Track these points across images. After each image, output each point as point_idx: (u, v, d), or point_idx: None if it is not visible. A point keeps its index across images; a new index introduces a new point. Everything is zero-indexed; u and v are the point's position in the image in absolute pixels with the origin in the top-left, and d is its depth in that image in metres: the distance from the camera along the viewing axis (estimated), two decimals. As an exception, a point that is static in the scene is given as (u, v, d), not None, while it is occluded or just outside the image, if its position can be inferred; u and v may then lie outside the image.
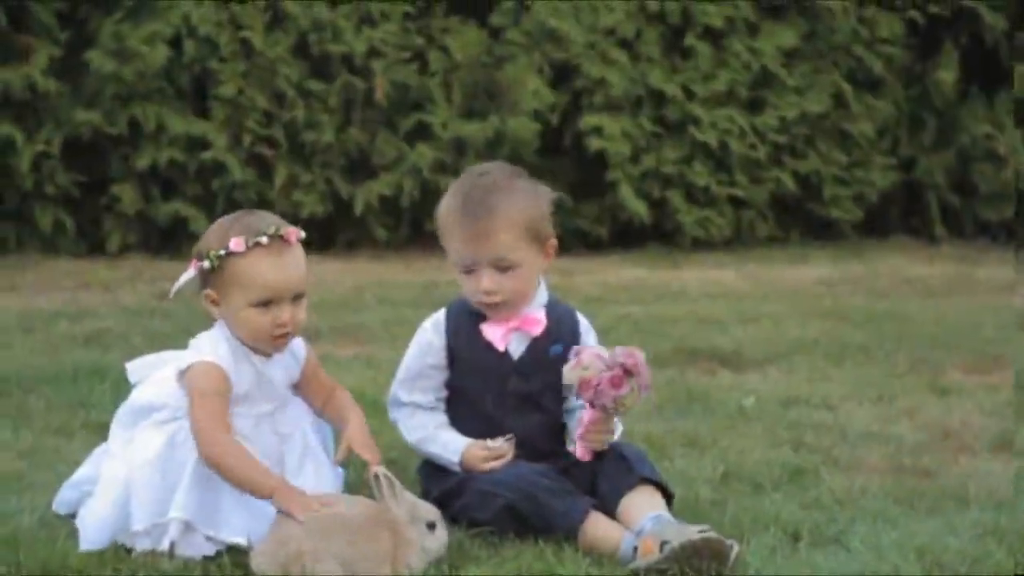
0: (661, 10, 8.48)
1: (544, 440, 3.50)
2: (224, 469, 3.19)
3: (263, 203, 7.95)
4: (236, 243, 3.25)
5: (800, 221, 8.91)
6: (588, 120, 8.34)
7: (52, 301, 6.64)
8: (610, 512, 3.32)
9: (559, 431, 3.56)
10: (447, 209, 3.45)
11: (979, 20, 8.85)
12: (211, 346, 3.33)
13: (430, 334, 3.51)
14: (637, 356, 3.30)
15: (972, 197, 9.01)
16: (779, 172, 8.67)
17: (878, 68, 8.78)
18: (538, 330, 3.48)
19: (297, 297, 3.32)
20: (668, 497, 3.37)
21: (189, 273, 3.36)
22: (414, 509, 3.14)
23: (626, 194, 8.37)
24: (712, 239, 8.55)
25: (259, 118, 8.08)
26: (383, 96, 8.14)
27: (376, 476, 3.14)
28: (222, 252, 3.26)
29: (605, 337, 5.74)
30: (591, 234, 8.57)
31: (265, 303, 3.27)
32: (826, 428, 4.38)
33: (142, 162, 7.99)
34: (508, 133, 8.18)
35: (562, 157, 8.52)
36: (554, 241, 3.50)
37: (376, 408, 3.87)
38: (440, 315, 3.54)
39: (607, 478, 3.37)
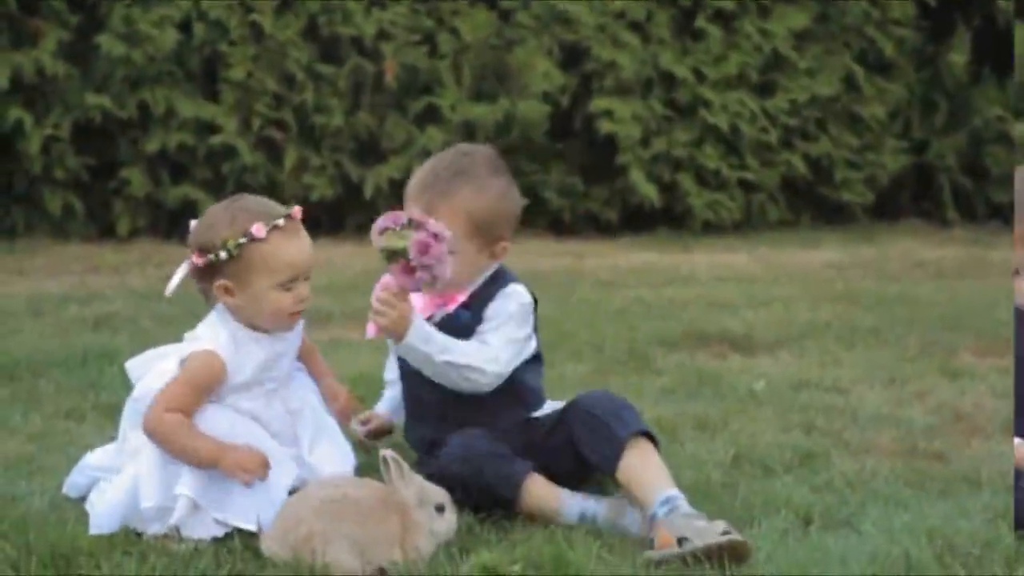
0: (672, -8, 8.47)
1: (465, 408, 3.44)
2: (162, 438, 3.22)
3: (273, 186, 7.95)
4: (258, 229, 3.26)
5: (811, 204, 8.89)
6: (598, 103, 8.33)
7: (61, 285, 6.65)
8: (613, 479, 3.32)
9: (481, 399, 3.45)
10: (413, 177, 3.49)
11: (992, 2, 8.81)
12: (211, 334, 3.33)
13: None
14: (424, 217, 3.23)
15: (984, 180, 8.98)
16: (790, 155, 8.64)
17: (890, 50, 8.75)
18: (451, 307, 3.45)
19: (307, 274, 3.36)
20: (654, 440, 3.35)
21: (184, 268, 3.35)
22: (423, 492, 3.13)
23: (636, 177, 8.35)
24: (723, 222, 8.53)
25: (269, 101, 8.07)
26: (393, 79, 8.13)
27: (385, 459, 3.14)
28: (243, 240, 3.26)
29: (616, 320, 5.76)
30: (601, 217, 8.55)
31: (289, 283, 3.30)
32: (837, 411, 4.36)
33: (151, 146, 7.99)
34: (518, 116, 8.16)
35: (572, 140, 8.50)
36: (506, 244, 3.46)
37: (386, 391, 3.87)
38: None
39: (590, 448, 3.34)
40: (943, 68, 8.92)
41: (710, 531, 3.06)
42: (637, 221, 8.57)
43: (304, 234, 3.34)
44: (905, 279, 7.01)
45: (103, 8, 7.99)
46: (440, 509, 3.13)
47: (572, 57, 8.40)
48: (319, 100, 8.12)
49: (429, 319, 3.40)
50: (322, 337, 5.24)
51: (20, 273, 7.04)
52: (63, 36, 7.87)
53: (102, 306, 6.00)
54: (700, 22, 8.48)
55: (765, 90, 8.62)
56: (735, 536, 3.05)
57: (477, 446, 3.34)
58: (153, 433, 3.23)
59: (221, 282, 3.30)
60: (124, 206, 8.11)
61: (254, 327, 3.34)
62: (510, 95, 8.23)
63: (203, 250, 3.30)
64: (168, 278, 3.39)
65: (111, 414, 3.95)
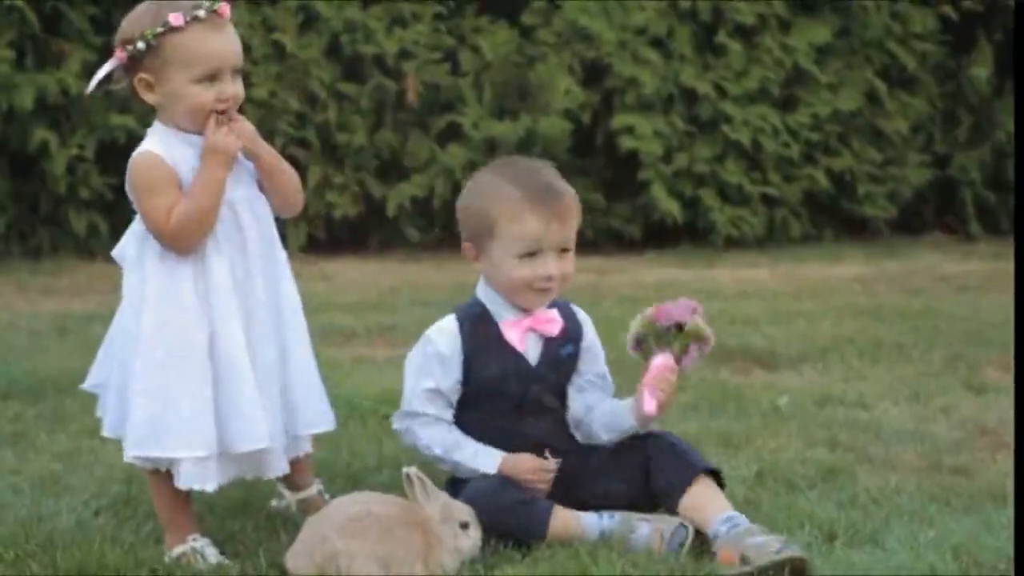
0: (692, 8, 8.46)
1: (561, 439, 3.42)
2: (192, 225, 3.19)
3: (296, 205, 7.97)
4: (176, 18, 3.18)
5: (834, 219, 8.87)
6: (620, 119, 8.33)
7: (87, 304, 6.67)
8: (670, 507, 3.32)
9: (566, 427, 3.46)
10: (511, 195, 3.31)
11: (1013, 15, 8.80)
12: (143, 144, 3.26)
13: (442, 347, 3.35)
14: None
15: (1007, 193, 8.95)
16: (812, 170, 8.63)
17: (911, 64, 8.73)
18: (556, 329, 3.40)
19: (235, 72, 3.26)
20: (721, 483, 3.38)
21: (109, 65, 3.28)
22: (447, 509, 3.14)
23: (659, 193, 8.35)
24: (745, 238, 8.52)
25: (292, 120, 8.10)
26: (415, 97, 8.15)
27: (408, 476, 3.15)
28: (159, 29, 3.18)
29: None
30: (624, 233, 8.56)
31: (210, 78, 3.22)
32: (861, 426, 4.36)
33: (175, 165, 8.02)
34: (540, 133, 8.17)
35: (594, 157, 8.51)
36: None
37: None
38: (450, 325, 3.39)
39: (662, 472, 3.34)
40: (965, 82, 8.90)
41: (767, 549, 3.08)
42: (660, 237, 8.57)
43: (230, 30, 3.24)
44: (929, 293, 6.99)
45: (127, 29, 8.03)
46: (464, 526, 3.14)
47: (593, 74, 8.41)
48: (342, 118, 8.15)
49: (524, 357, 3.36)
50: (345, 355, 5.25)
51: (46, 292, 7.07)
52: (87, 57, 7.92)
53: (127, 325, 6.01)
54: (721, 38, 8.48)
55: (787, 105, 8.61)
56: (791, 552, 3.07)
57: (495, 497, 3.26)
58: (180, 235, 3.18)
59: (140, 75, 3.23)
60: (148, 225, 8.14)
61: (183, 129, 3.25)
62: (532, 112, 8.24)
63: (124, 42, 3.23)
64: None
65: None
